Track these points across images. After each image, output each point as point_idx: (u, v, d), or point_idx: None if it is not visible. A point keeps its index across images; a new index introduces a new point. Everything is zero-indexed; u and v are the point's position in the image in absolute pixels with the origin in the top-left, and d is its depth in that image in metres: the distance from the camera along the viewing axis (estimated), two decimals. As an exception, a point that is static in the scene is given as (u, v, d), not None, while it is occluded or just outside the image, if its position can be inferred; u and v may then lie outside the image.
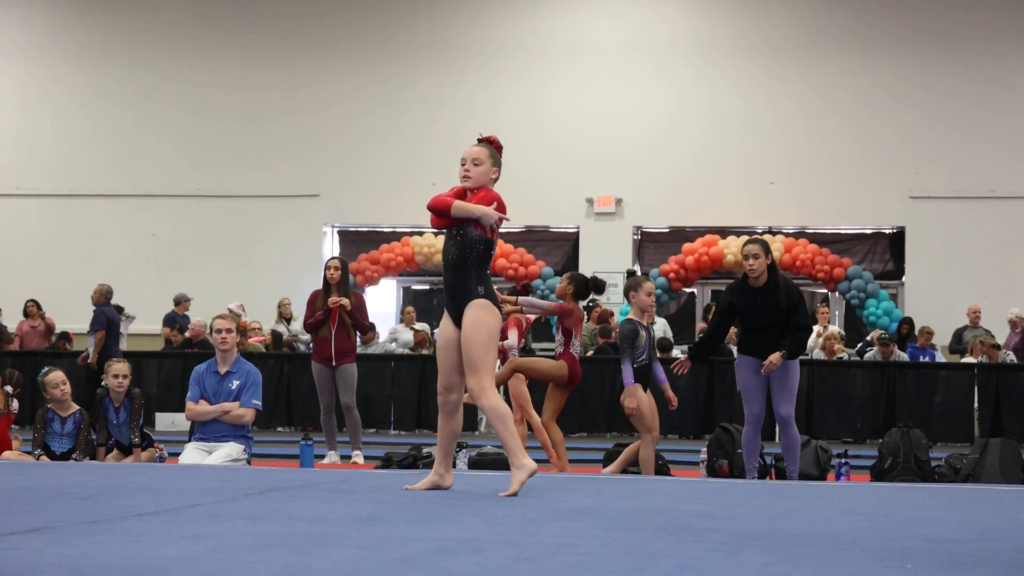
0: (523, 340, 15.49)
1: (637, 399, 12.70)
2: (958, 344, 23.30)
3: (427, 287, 28.32)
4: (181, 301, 24.71)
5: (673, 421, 18.98)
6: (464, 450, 14.75)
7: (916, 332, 23.37)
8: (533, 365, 14.55)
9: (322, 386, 15.86)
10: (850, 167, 27.20)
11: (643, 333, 12.81)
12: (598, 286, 14.63)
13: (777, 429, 14.73)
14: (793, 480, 12.61)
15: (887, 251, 27.47)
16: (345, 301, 15.50)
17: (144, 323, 25.72)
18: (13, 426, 15.50)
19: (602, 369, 21.33)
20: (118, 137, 28.88)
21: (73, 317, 25.39)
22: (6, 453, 13.90)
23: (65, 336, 24.71)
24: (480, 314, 8.41)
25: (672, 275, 26.07)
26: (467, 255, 8.54)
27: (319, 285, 16.00)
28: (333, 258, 16.48)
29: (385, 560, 5.64)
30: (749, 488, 10.54)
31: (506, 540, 6.41)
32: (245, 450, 13.07)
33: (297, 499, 8.33)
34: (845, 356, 22.41)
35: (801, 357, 18.86)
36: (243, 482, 9.40)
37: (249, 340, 22.72)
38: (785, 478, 13.04)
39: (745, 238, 25.90)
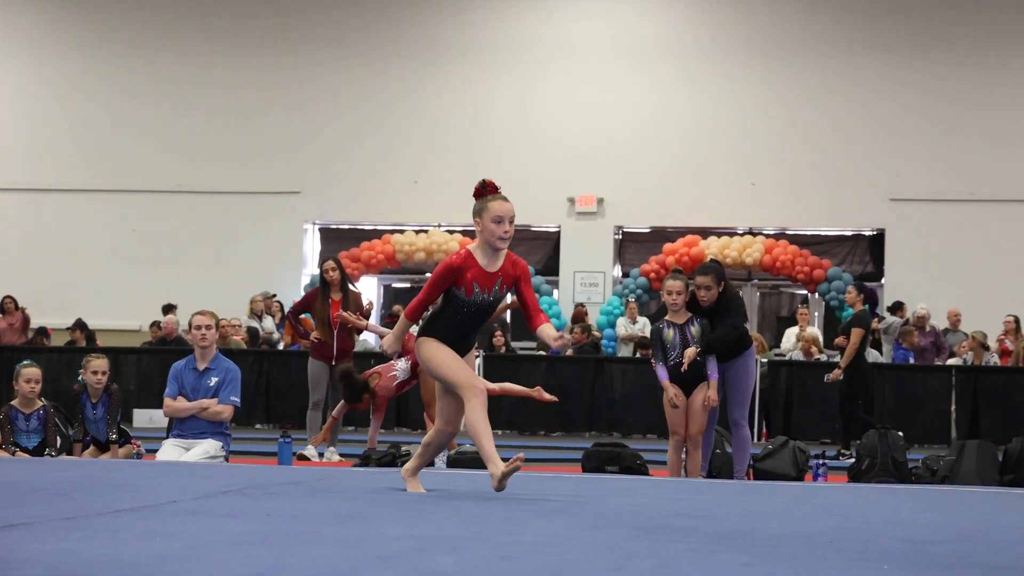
0: None
1: (670, 396, 12.45)
2: (938, 349, 23.32)
3: (408, 285, 28.29)
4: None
5: (652, 421, 18.99)
6: (444, 451, 14.81)
7: (898, 334, 23.47)
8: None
9: (318, 383, 16.08)
10: (831, 169, 27.26)
11: (670, 332, 12.59)
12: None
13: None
14: (740, 480, 12.76)
15: (867, 253, 27.52)
16: (350, 319, 15.56)
17: (123, 319, 25.74)
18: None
19: (581, 368, 21.40)
20: (99, 132, 28.84)
21: (52, 312, 25.41)
22: (-20, 451, 13.90)
23: (43, 331, 24.66)
24: None
25: (652, 275, 26.04)
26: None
27: (300, 281, 16.15)
28: (329, 259, 16.66)
29: (363, 558, 5.61)
30: (726, 488, 10.55)
31: (484, 539, 6.40)
32: (223, 447, 13.04)
33: (275, 496, 8.32)
34: (823, 358, 22.42)
35: (780, 358, 19.07)
36: (221, 479, 9.40)
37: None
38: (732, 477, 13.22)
39: (739, 236, 26.14)
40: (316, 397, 16.14)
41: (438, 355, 8.08)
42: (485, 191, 8.13)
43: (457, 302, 8.06)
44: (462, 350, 8.22)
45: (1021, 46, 26.93)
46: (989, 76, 27.06)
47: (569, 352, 21.52)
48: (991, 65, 27.03)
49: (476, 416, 7.94)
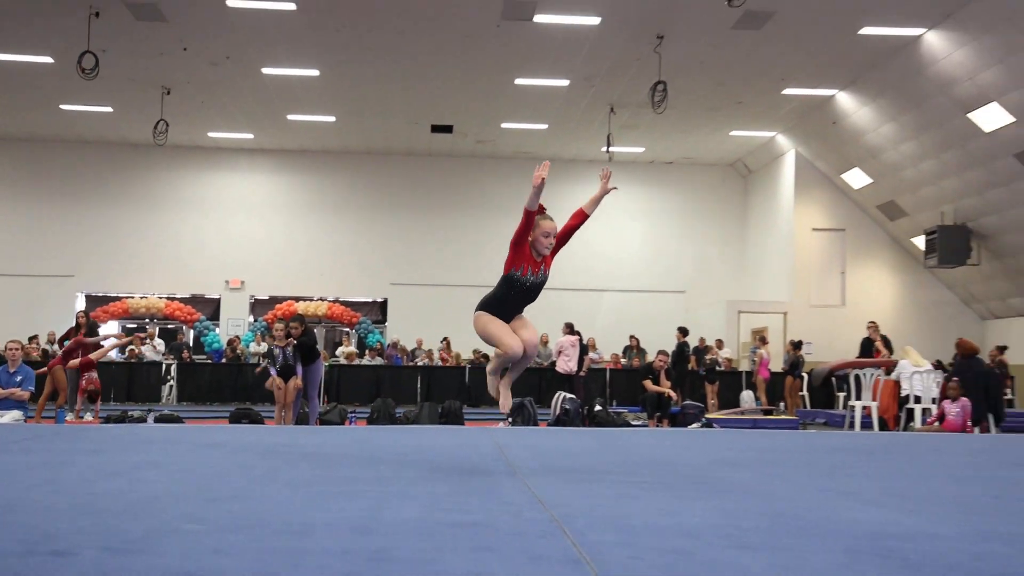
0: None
1: (275, 383, 12.83)
2: (413, 357, 23.61)
3: (135, 325, 26.79)
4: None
5: (268, 396, 18.56)
6: (152, 412, 14.14)
7: (395, 347, 23.68)
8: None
9: (72, 379, 15.29)
10: (362, 263, 27.33)
11: (276, 351, 12.96)
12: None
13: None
14: (312, 425, 12.85)
15: (380, 310, 27.59)
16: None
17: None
18: None
19: (231, 368, 20.86)
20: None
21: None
22: None
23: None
24: None
25: (269, 320, 25.47)
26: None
27: (72, 324, 15.37)
28: (80, 312, 16.36)
29: (103, 472, 5.33)
30: (306, 430, 10.36)
31: (175, 463, 6.09)
32: (23, 415, 12.22)
33: (53, 442, 7.69)
34: (359, 361, 22.42)
35: (336, 362, 18.71)
36: (21, 433, 8.65)
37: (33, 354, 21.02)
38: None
39: (315, 302, 25.84)
40: (71, 387, 15.61)
41: (491, 325, 5.87)
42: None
43: (513, 283, 5.86)
44: (510, 318, 6.00)
45: (439, 193, 27.69)
46: (422, 215, 27.72)
47: (226, 360, 20.82)
48: (424, 207, 27.71)
49: (494, 364, 6.03)
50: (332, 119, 24.17)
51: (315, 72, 20.36)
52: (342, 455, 6.72)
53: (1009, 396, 19.69)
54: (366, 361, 22.56)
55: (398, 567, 2.98)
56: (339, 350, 23.90)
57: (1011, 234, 21.42)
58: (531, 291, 5.92)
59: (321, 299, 27.01)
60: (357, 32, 17.98)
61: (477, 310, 5.98)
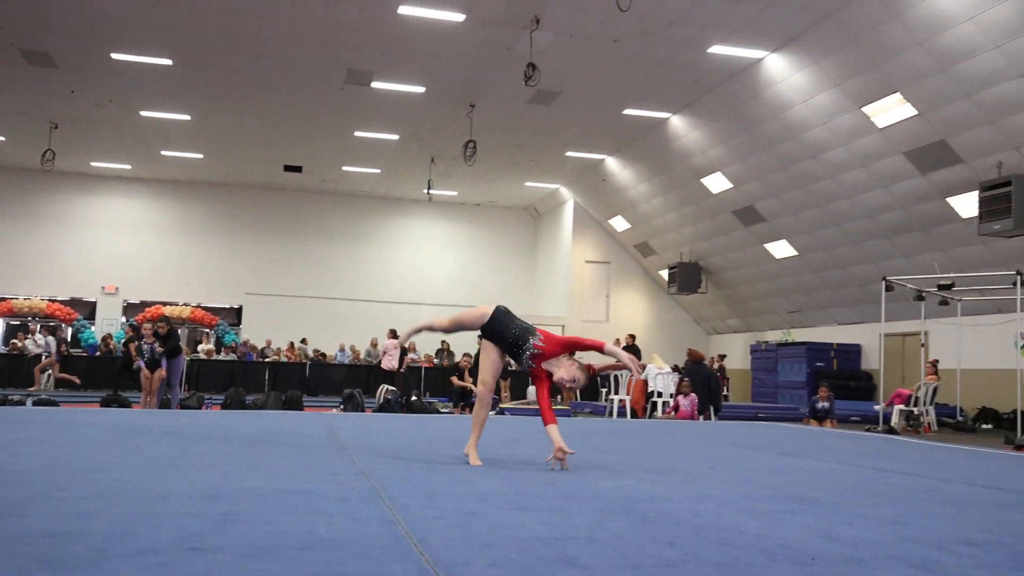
0: None
1: (145, 373, 12.14)
2: (263, 355, 22.70)
3: (18, 322, 24.67)
4: None
5: (137, 385, 17.45)
6: (30, 397, 13.00)
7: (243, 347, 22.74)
8: None
9: None
10: (222, 275, 26.16)
11: (145, 347, 12.17)
12: None
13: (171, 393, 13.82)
14: (175, 410, 12.08)
15: (236, 316, 26.43)
16: None
17: None
18: None
19: (102, 361, 19.48)
20: None
21: None
22: None
23: None
24: None
25: (139, 320, 23.93)
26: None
27: None
28: None
29: None
30: (170, 414, 9.79)
31: (50, 440, 5.62)
32: None
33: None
34: (216, 357, 21.38)
35: (196, 357, 17.78)
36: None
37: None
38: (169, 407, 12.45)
39: (179, 306, 24.52)
40: None
41: (487, 355, 5.15)
42: (589, 370, 4.98)
43: (507, 344, 5.10)
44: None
45: (311, 222, 26.97)
46: (274, 239, 26.91)
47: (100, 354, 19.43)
48: (275, 232, 26.90)
49: (478, 407, 5.17)
50: (200, 156, 23.14)
51: (187, 117, 19.46)
52: (198, 435, 6.39)
53: (726, 393, 20.88)
54: (222, 357, 21.59)
55: (242, 527, 2.88)
56: (199, 347, 22.83)
57: (729, 271, 22.85)
58: (511, 346, 5.07)
59: (185, 304, 25.70)
60: (224, 87, 17.33)
61: (492, 315, 5.22)
